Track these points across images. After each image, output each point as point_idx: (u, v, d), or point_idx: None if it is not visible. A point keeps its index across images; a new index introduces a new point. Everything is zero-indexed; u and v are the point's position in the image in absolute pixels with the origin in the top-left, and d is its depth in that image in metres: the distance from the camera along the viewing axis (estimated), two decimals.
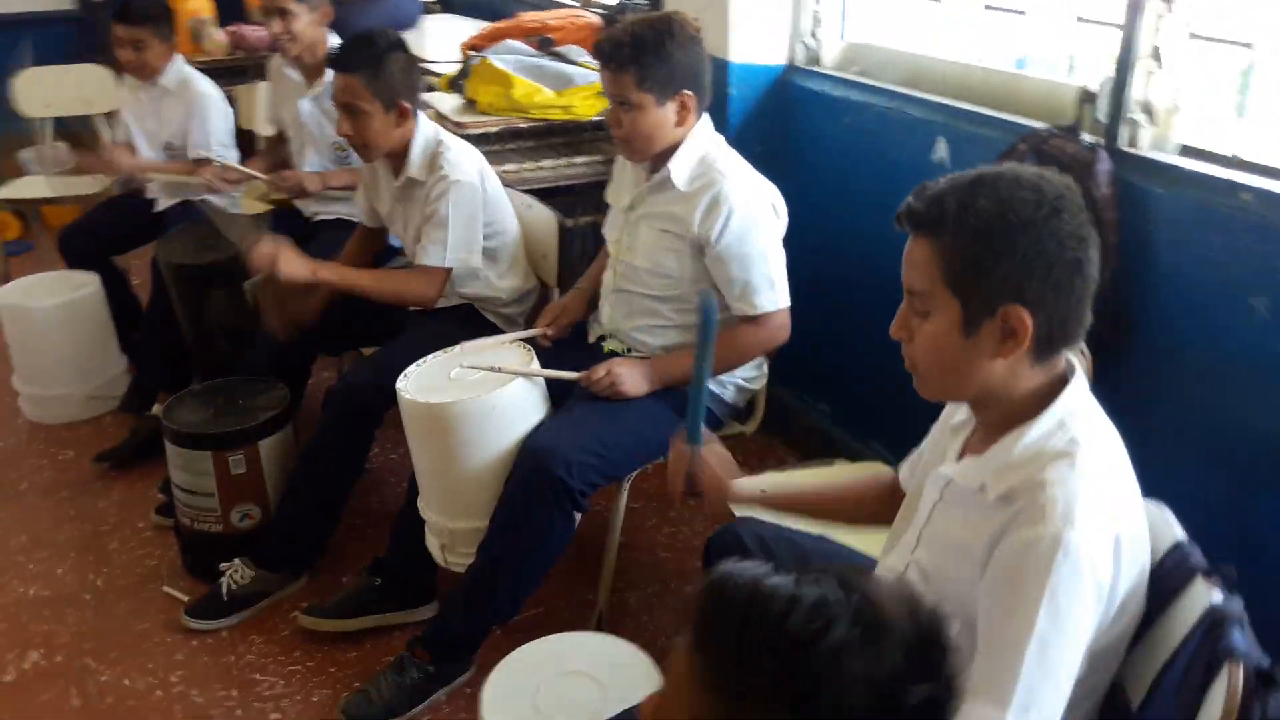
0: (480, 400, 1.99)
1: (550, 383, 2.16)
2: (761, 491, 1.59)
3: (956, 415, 1.36)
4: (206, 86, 3.28)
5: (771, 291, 2.08)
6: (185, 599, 2.42)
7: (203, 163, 3.28)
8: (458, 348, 2.20)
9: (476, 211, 2.40)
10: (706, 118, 2.14)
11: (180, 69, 3.27)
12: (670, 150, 2.09)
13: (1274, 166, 1.78)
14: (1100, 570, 1.07)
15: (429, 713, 2.10)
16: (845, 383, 2.77)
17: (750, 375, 2.24)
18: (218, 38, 4.56)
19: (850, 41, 2.77)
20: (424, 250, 2.40)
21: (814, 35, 2.79)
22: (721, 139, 2.17)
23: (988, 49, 2.50)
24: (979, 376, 1.18)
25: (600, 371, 2.07)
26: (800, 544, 1.67)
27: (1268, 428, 1.71)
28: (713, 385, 2.18)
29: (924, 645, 0.73)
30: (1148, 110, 1.94)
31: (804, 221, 2.78)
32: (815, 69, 2.78)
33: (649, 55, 2.01)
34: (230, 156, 3.39)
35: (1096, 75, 1.99)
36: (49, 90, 4.22)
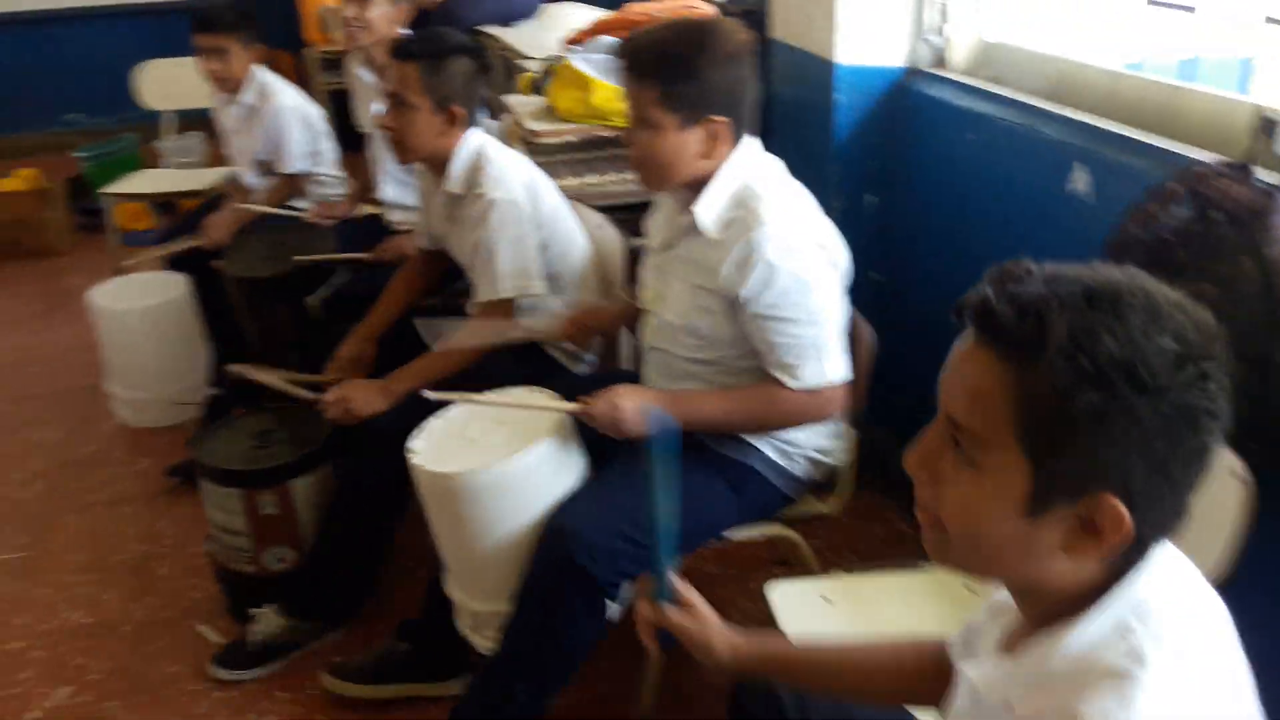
0: (492, 470, 1.72)
1: (591, 443, 1.87)
2: (760, 656, 1.26)
3: (995, 595, 1.02)
4: (287, 99, 3.16)
5: (819, 362, 1.71)
6: (217, 641, 2.30)
7: (295, 177, 3.17)
8: (490, 394, 1.95)
9: (524, 231, 2.14)
10: (750, 144, 1.77)
11: (259, 81, 3.17)
12: (701, 184, 1.76)
13: None
14: None
15: None
16: None
17: (825, 446, 1.89)
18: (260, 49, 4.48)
19: (984, 40, 2.35)
20: (481, 287, 2.18)
21: (940, 32, 2.38)
22: (774, 167, 1.80)
23: (1148, 54, 2.04)
24: (1024, 568, 0.84)
25: (601, 405, 1.74)
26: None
27: None
28: (776, 455, 1.85)
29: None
30: None
31: (917, 249, 2.42)
32: (940, 73, 2.37)
33: (674, 70, 1.67)
34: (322, 165, 3.27)
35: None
36: (168, 82, 4.22)
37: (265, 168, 3.24)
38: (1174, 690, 0.78)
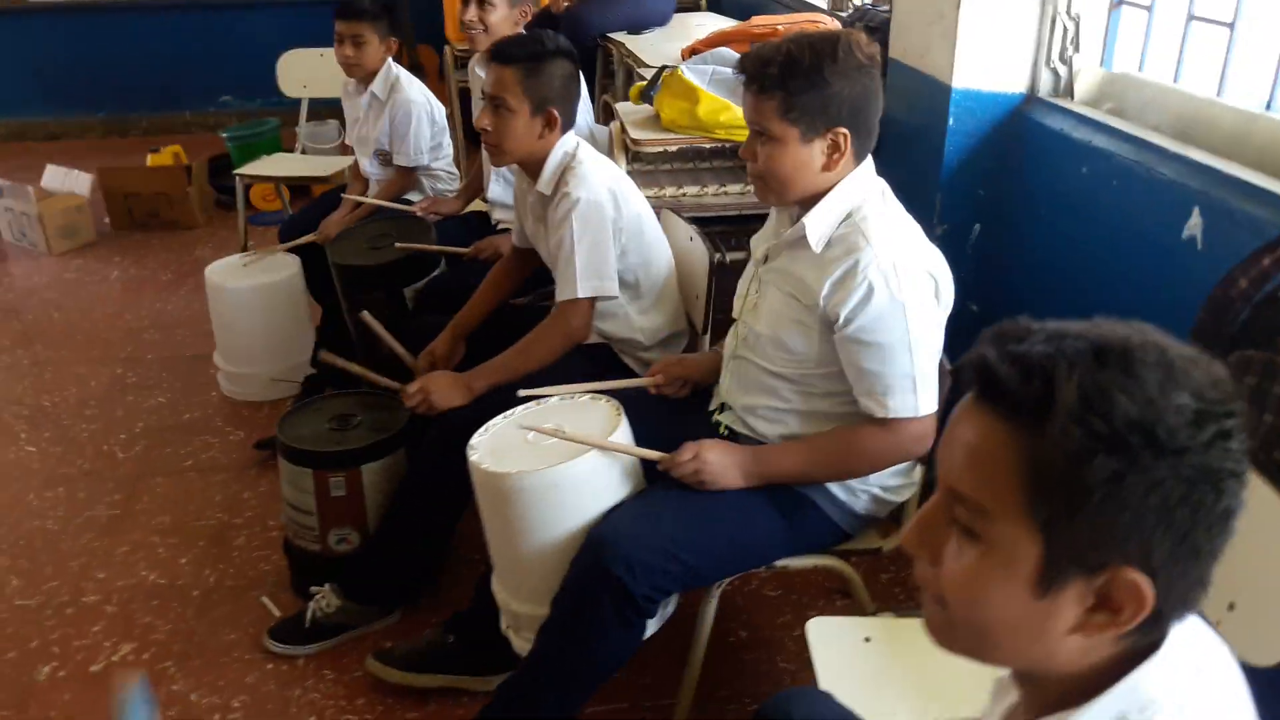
0: (542, 474, 1.70)
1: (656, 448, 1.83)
2: None
3: (1000, 676, 0.92)
4: (415, 93, 3.23)
5: (910, 394, 1.63)
6: (278, 615, 2.34)
7: (409, 172, 3.24)
8: (554, 400, 1.93)
9: (605, 234, 2.12)
10: (869, 165, 1.72)
11: (390, 74, 3.25)
12: (815, 199, 1.70)
13: None
14: None
15: None
16: None
17: (892, 484, 1.80)
18: (392, 44, 4.57)
19: (1110, 71, 2.22)
20: (559, 287, 2.17)
21: (1065, 59, 2.26)
22: (884, 187, 1.74)
23: None
24: (1033, 652, 0.75)
25: (687, 455, 1.72)
26: None
27: None
28: (839, 490, 1.77)
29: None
30: None
31: (1018, 282, 2.30)
32: (1059, 102, 2.25)
33: (800, 80, 1.63)
34: (440, 162, 3.33)
35: None
36: (306, 71, 4.38)
37: (385, 158, 3.31)
38: None
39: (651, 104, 2.78)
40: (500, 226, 3.05)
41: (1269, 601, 1.19)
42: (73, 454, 3.04)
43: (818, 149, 1.66)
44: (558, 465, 1.72)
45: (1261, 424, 1.41)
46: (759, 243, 1.89)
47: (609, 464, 1.77)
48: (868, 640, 1.59)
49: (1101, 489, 0.68)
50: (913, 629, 1.64)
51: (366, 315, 2.50)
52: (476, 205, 3.27)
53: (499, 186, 3.04)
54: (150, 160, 5.14)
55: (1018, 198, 2.30)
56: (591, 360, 2.27)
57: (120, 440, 3.12)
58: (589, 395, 1.95)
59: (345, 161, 4.10)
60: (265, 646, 2.25)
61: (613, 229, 2.13)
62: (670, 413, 1.96)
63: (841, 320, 1.63)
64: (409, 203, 3.28)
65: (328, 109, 4.61)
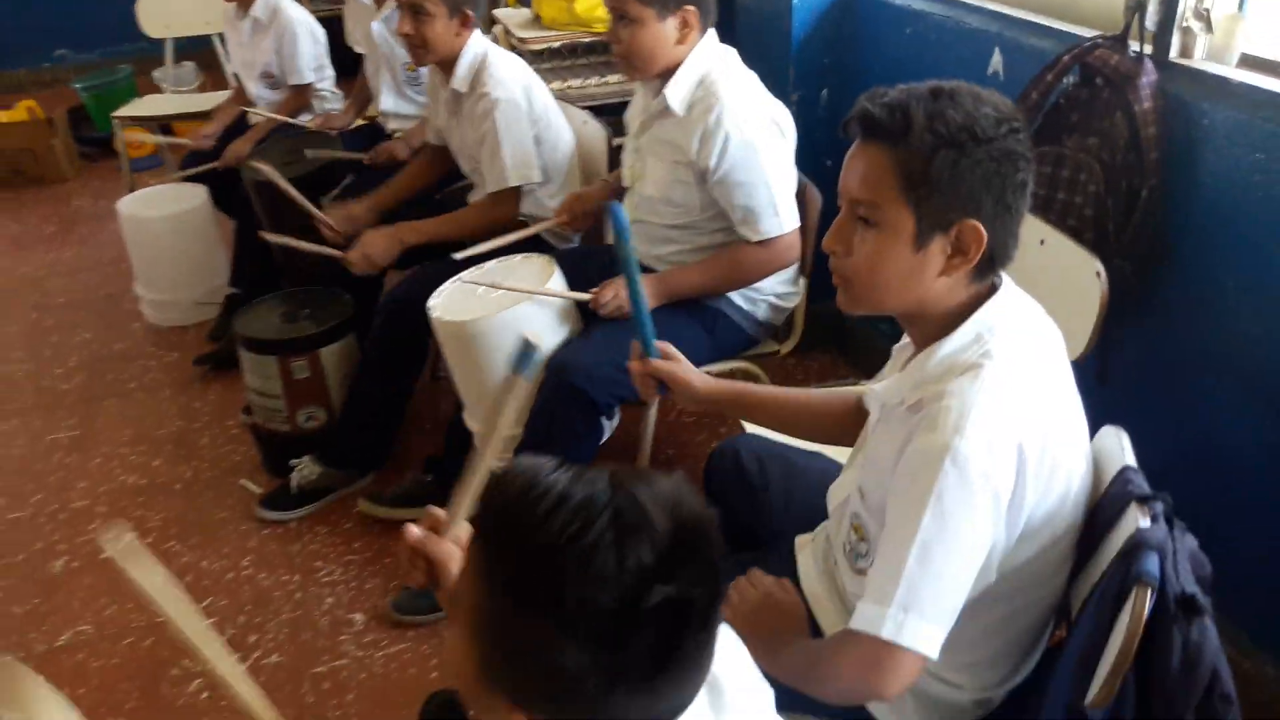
0: (496, 317, 2.05)
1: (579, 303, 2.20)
2: (727, 393, 1.59)
3: (904, 339, 1.36)
4: (296, 12, 3.40)
5: (776, 217, 2.04)
6: (259, 491, 2.63)
7: (304, 89, 3.44)
8: (489, 264, 2.27)
9: (525, 128, 2.44)
10: (711, 35, 2.08)
11: None
12: (672, 70, 2.06)
13: None
14: (996, 480, 1.07)
15: None
16: None
17: (783, 292, 2.23)
18: None
19: None
20: (488, 178, 2.47)
21: None
22: (728, 51, 2.10)
23: None
24: (916, 293, 1.16)
25: (608, 294, 2.09)
26: (793, 461, 1.70)
27: None
28: (742, 302, 2.19)
29: (677, 545, 0.73)
30: (1204, 17, 1.81)
31: None
32: None
33: None
34: (325, 79, 3.53)
35: None
36: (168, 11, 4.43)
37: (271, 80, 3.49)
38: (1009, 377, 1.12)
39: (530, 6, 3.08)
40: (395, 134, 3.30)
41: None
42: (14, 393, 3.19)
43: (671, 25, 2.00)
44: (508, 309, 2.08)
45: (1055, 200, 1.88)
46: (633, 118, 2.25)
47: (547, 304, 2.13)
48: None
49: (947, 170, 1.09)
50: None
51: (276, 236, 2.66)
52: (363, 124, 3.50)
53: (391, 99, 3.28)
54: (4, 117, 5.08)
55: (856, 62, 2.72)
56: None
57: (58, 375, 3.28)
58: (522, 255, 2.30)
59: (224, 95, 4.21)
60: (258, 516, 2.55)
61: (529, 121, 2.45)
62: (597, 273, 2.31)
63: (711, 168, 2.01)
64: (300, 123, 3.48)
65: (182, 52, 4.68)
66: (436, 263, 2.46)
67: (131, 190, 4.07)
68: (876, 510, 1.21)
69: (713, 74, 2.04)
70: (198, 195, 3.48)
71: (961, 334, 1.16)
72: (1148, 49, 1.84)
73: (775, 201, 2.04)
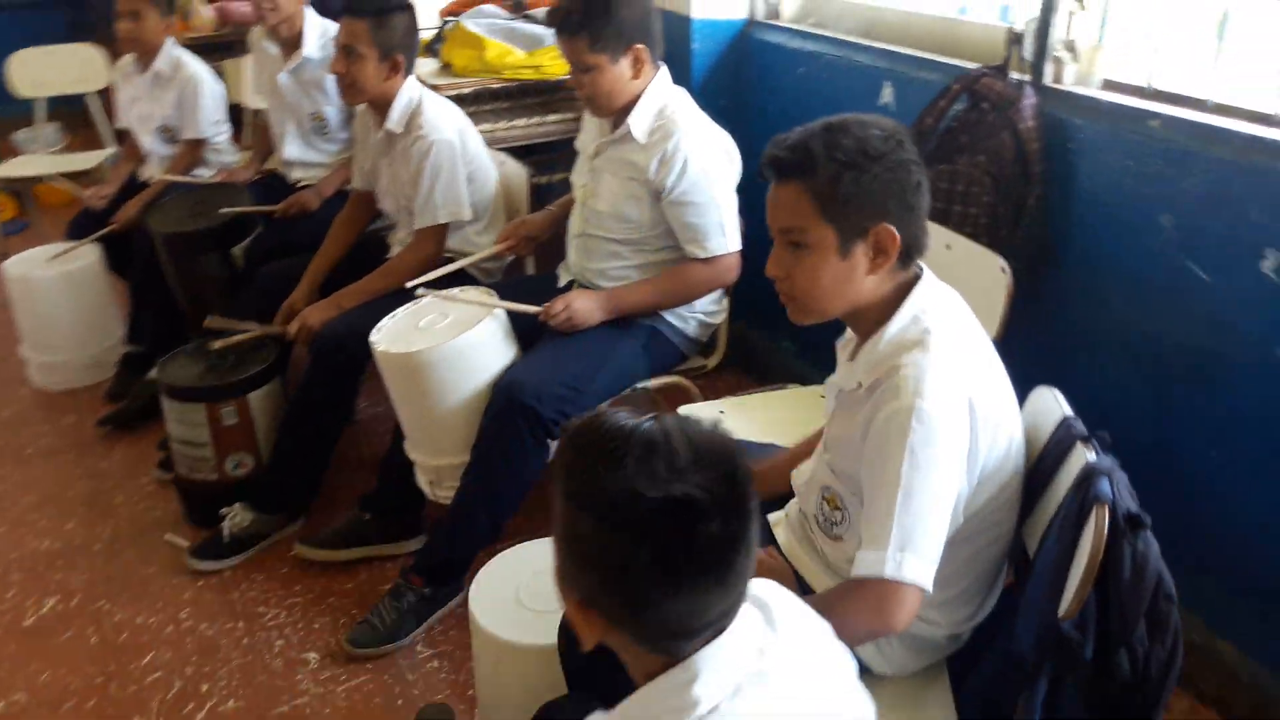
0: (447, 345, 2.12)
1: (520, 326, 2.28)
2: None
3: (846, 333, 1.51)
4: (198, 68, 3.40)
5: (722, 236, 2.20)
6: (185, 545, 2.57)
7: (200, 144, 3.43)
8: (426, 298, 2.34)
9: (457, 167, 2.53)
10: (664, 70, 2.25)
11: (172, 52, 3.39)
12: (631, 103, 2.21)
13: (1182, 94, 1.91)
14: (955, 431, 1.24)
15: (425, 635, 2.26)
16: None
17: (710, 310, 2.37)
18: (204, 14, 4.66)
19: None
20: (419, 215, 2.54)
21: None
22: (681, 91, 2.28)
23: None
24: (851, 293, 1.33)
25: (558, 306, 2.19)
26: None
27: (1177, 330, 1.86)
28: (674, 320, 2.32)
29: (697, 460, 0.89)
30: (1071, 48, 2.07)
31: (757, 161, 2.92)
32: (774, 22, 2.89)
33: (597, 19, 2.11)
34: (222, 135, 3.52)
35: (1025, 17, 2.12)
36: (41, 70, 4.34)
37: (170, 135, 3.46)
38: (951, 343, 1.29)
39: (438, 56, 3.18)
40: (300, 184, 3.32)
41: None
42: None
43: (625, 65, 2.16)
44: (458, 336, 2.15)
45: (952, 211, 2.09)
46: (586, 143, 2.38)
47: (495, 331, 2.21)
48: (722, 413, 2.16)
49: (852, 187, 1.26)
50: (748, 401, 2.24)
51: (220, 321, 2.67)
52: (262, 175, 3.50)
53: (296, 147, 3.30)
54: None
55: (755, 102, 2.92)
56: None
57: None
58: (460, 288, 2.37)
59: (107, 153, 4.13)
60: (191, 568, 2.50)
61: (462, 162, 2.54)
62: (535, 294, 2.40)
63: (666, 188, 2.16)
64: (198, 178, 3.47)
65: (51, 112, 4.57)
66: (372, 302, 2.51)
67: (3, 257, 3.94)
68: (848, 479, 1.36)
69: (670, 106, 2.20)
70: (89, 253, 3.40)
71: (900, 317, 1.32)
72: (1026, 76, 2.08)
73: (723, 222, 2.19)
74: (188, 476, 2.63)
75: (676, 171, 2.15)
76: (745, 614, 0.96)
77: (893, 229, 1.28)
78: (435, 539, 2.27)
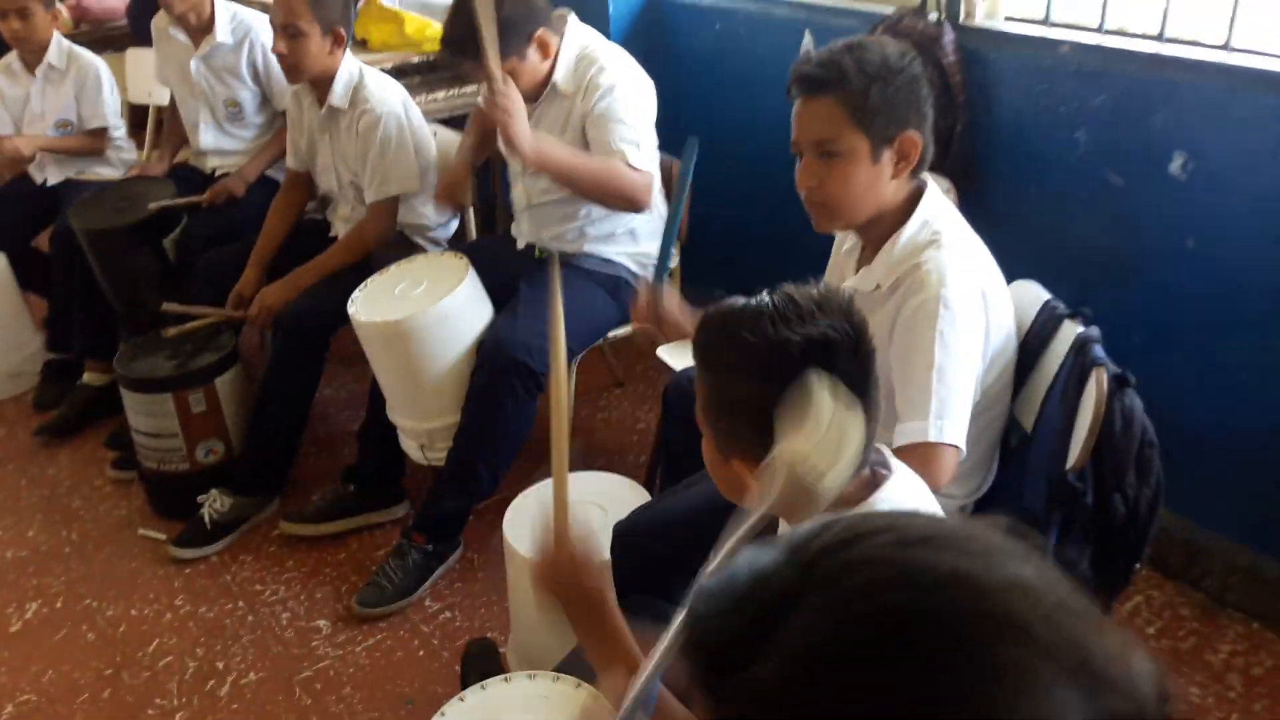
0: (431, 309, 2.20)
1: (492, 287, 2.37)
2: None
3: (845, 245, 1.69)
4: (92, 57, 3.31)
5: (642, 154, 2.27)
6: (163, 538, 2.57)
7: (100, 133, 3.34)
8: (393, 267, 2.40)
9: (406, 139, 2.58)
10: (570, 19, 2.32)
11: (63, 44, 3.29)
12: (553, 69, 2.28)
13: (1079, 24, 2.15)
14: (974, 315, 1.43)
15: (431, 590, 2.34)
16: (745, 257, 3.06)
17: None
18: (61, 14, 4.47)
19: None
20: (371, 189, 2.58)
21: None
22: (590, 30, 2.36)
23: None
24: (876, 198, 1.50)
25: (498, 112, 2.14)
26: None
27: (1097, 234, 2.10)
28: (637, 269, 2.44)
29: (819, 307, 1.09)
30: None
31: (690, 119, 3.06)
32: None
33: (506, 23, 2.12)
34: (119, 128, 3.44)
35: None
36: None
37: (69, 129, 3.36)
38: (960, 244, 1.48)
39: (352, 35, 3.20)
40: (218, 173, 3.28)
41: None
42: None
43: (533, 56, 2.22)
44: (441, 300, 2.23)
45: None
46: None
47: (474, 292, 2.30)
48: None
49: (879, 98, 1.43)
50: None
51: (169, 306, 2.69)
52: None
53: (211, 135, 3.25)
54: None
55: (672, 62, 3.05)
56: (389, 246, 2.71)
57: None
58: (426, 255, 2.45)
59: None
60: (175, 558, 2.50)
61: (409, 133, 2.58)
62: (498, 259, 2.48)
63: (590, 108, 2.23)
64: (99, 175, 3.39)
65: None
66: (334, 277, 2.55)
67: None
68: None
69: (587, 46, 2.30)
70: None
71: (913, 223, 1.50)
72: (943, 15, 2.29)
73: (641, 142, 2.28)
74: (157, 469, 2.62)
75: (600, 93, 2.23)
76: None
77: (915, 136, 1.45)
78: (435, 497, 2.35)
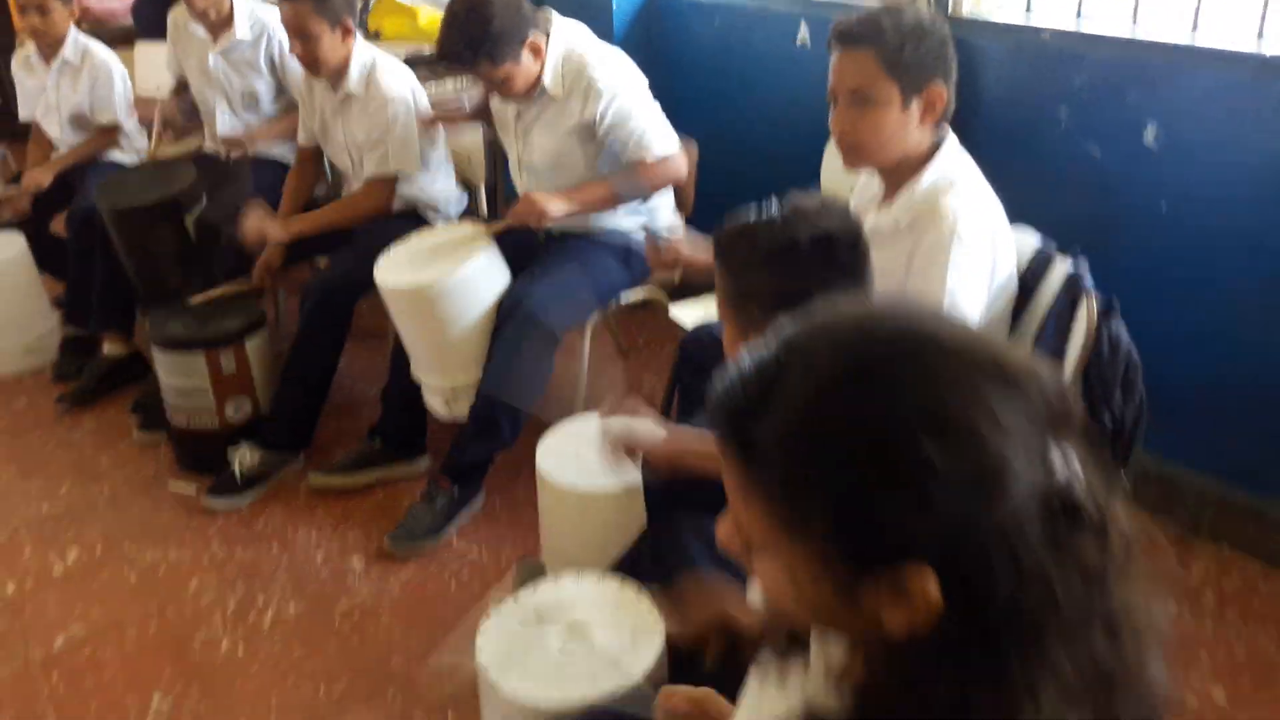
0: (456, 274, 2.36)
1: (509, 254, 2.52)
2: None
3: (867, 193, 1.87)
4: (106, 54, 3.44)
5: (659, 138, 2.45)
6: (193, 491, 2.70)
7: (111, 130, 3.47)
8: (414, 236, 2.57)
9: (411, 123, 2.75)
10: (554, 19, 2.47)
11: (79, 39, 3.42)
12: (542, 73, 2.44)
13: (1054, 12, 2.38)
14: (983, 251, 1.61)
15: (458, 531, 2.50)
16: None
17: (672, 224, 2.68)
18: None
19: None
20: (371, 164, 2.75)
21: None
22: (573, 24, 2.50)
23: None
24: (902, 143, 1.68)
25: (521, 207, 2.41)
26: None
27: (1078, 203, 2.31)
28: (642, 234, 2.60)
29: (820, 211, 1.33)
30: None
31: (691, 113, 3.26)
32: None
33: (484, 43, 2.30)
34: (132, 118, 3.57)
35: None
36: None
37: (83, 122, 3.49)
38: (973, 189, 1.67)
39: (364, 25, 3.36)
40: (234, 158, 3.42)
41: None
42: None
43: (526, 59, 2.37)
44: (464, 264, 2.39)
45: None
46: (505, 108, 2.59)
47: (494, 257, 2.46)
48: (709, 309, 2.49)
49: (913, 53, 1.62)
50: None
51: (199, 297, 2.85)
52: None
53: (227, 122, 3.40)
54: None
55: (675, 57, 3.25)
56: (402, 220, 2.86)
57: None
58: (444, 226, 2.61)
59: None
60: (208, 507, 2.63)
61: (414, 118, 2.75)
62: (514, 241, 2.64)
63: (598, 117, 2.40)
64: (120, 163, 3.52)
65: None
66: (356, 247, 2.71)
67: None
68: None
69: (573, 47, 2.45)
70: (14, 244, 3.40)
71: (933, 169, 1.69)
72: (933, 7, 2.51)
73: (653, 127, 2.45)
74: (186, 427, 2.75)
75: (602, 101, 2.39)
76: None
77: (941, 89, 1.64)
78: (460, 445, 2.49)
